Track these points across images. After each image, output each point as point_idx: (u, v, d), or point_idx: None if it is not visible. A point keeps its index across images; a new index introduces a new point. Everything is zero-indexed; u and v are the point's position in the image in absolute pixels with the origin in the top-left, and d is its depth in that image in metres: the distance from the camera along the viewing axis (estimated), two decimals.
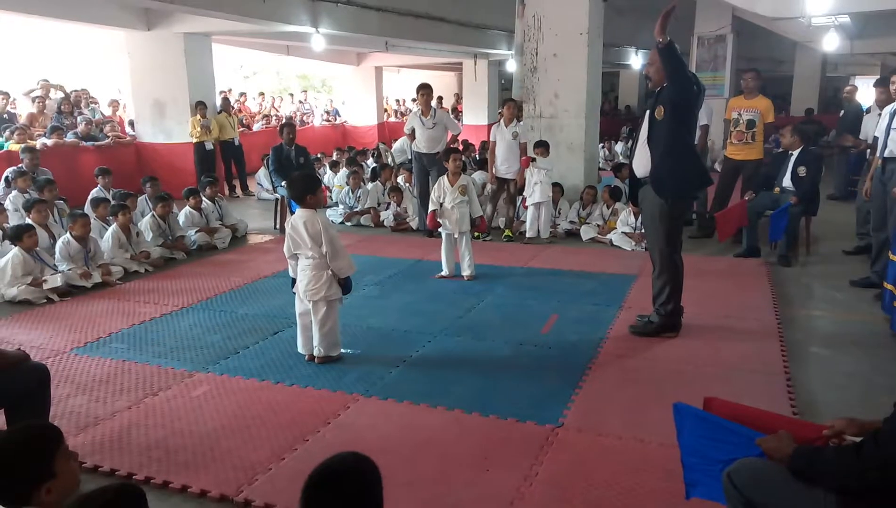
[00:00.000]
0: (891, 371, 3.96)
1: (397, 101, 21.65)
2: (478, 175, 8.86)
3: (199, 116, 10.35)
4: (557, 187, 7.70)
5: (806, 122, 12.08)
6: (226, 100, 11.89)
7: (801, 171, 6.32)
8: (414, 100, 8.25)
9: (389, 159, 11.77)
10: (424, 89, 7.81)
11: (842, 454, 1.81)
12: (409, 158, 11.57)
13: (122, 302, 5.47)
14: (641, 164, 4.40)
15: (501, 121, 7.73)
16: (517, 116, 7.70)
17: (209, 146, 10.54)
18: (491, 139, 7.81)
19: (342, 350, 4.21)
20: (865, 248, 6.45)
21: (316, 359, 4.11)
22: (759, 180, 6.82)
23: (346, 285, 4.09)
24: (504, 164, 7.59)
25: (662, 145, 4.26)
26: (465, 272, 5.91)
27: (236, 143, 11.22)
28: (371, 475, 1.65)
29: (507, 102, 7.83)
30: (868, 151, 6.64)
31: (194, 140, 10.43)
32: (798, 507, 1.85)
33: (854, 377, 3.91)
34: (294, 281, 4.16)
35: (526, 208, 7.46)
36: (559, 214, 7.81)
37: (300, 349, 4.21)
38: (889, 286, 4.67)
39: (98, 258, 6.08)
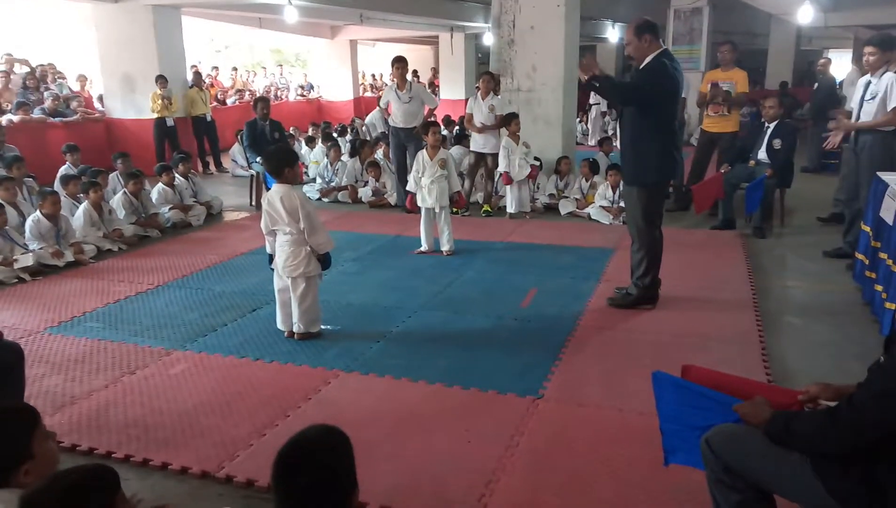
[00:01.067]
0: (862, 339, 4.05)
1: (373, 76, 21.38)
2: (455, 150, 8.81)
3: (158, 91, 10.08)
4: (536, 162, 7.69)
5: (781, 95, 12.15)
6: (197, 74, 11.62)
7: (777, 143, 6.38)
8: (391, 75, 8.11)
9: (368, 136, 11.64)
10: (399, 63, 7.71)
11: (817, 418, 1.85)
12: (384, 130, 11.50)
13: (96, 281, 5.37)
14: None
15: (478, 94, 7.68)
16: (494, 90, 7.66)
17: (170, 122, 10.29)
18: (467, 112, 7.77)
19: (322, 326, 4.19)
20: (840, 215, 6.57)
21: (296, 335, 4.09)
22: (735, 153, 6.87)
23: (324, 260, 4.05)
24: (481, 138, 7.56)
25: (627, 135, 4.33)
26: (445, 247, 5.90)
27: (208, 118, 11.02)
28: (341, 446, 1.65)
29: (484, 76, 7.78)
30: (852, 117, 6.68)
31: (155, 115, 10.18)
32: (775, 471, 1.88)
33: (827, 345, 4.00)
34: (272, 257, 4.11)
35: (507, 184, 7.43)
36: (538, 188, 7.81)
37: (279, 326, 4.19)
38: (861, 257, 4.76)
39: (70, 237, 5.95)
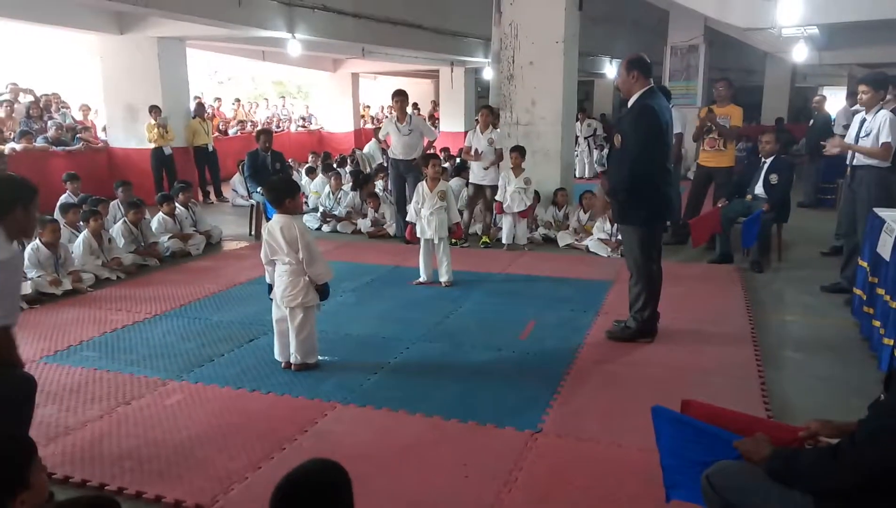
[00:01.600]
0: (861, 374, 4.04)
1: (382, 108, 21.51)
2: (454, 182, 8.87)
3: (153, 120, 10.17)
4: (535, 196, 7.74)
5: (777, 131, 12.29)
6: (200, 105, 11.75)
7: (773, 178, 6.43)
8: (390, 107, 8.20)
9: (367, 167, 11.73)
10: (399, 96, 7.80)
11: (818, 455, 1.84)
12: (382, 162, 11.59)
13: (94, 310, 5.36)
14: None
15: (477, 127, 7.78)
16: (493, 123, 7.76)
17: (167, 151, 10.37)
18: (466, 144, 7.85)
19: (319, 357, 4.17)
20: (841, 248, 6.60)
21: (293, 366, 4.07)
22: (732, 188, 6.93)
23: (323, 291, 4.05)
24: (480, 170, 7.62)
25: (616, 175, 4.34)
26: (443, 279, 5.91)
27: (210, 148, 11.10)
28: (339, 481, 1.64)
29: (483, 110, 7.88)
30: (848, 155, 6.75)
31: (152, 145, 10.26)
32: None
33: (826, 381, 3.98)
34: (271, 287, 4.11)
35: (500, 213, 7.47)
36: (535, 222, 7.85)
37: (277, 357, 4.17)
38: (858, 292, 4.77)
39: (68, 265, 5.95)
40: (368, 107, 20.76)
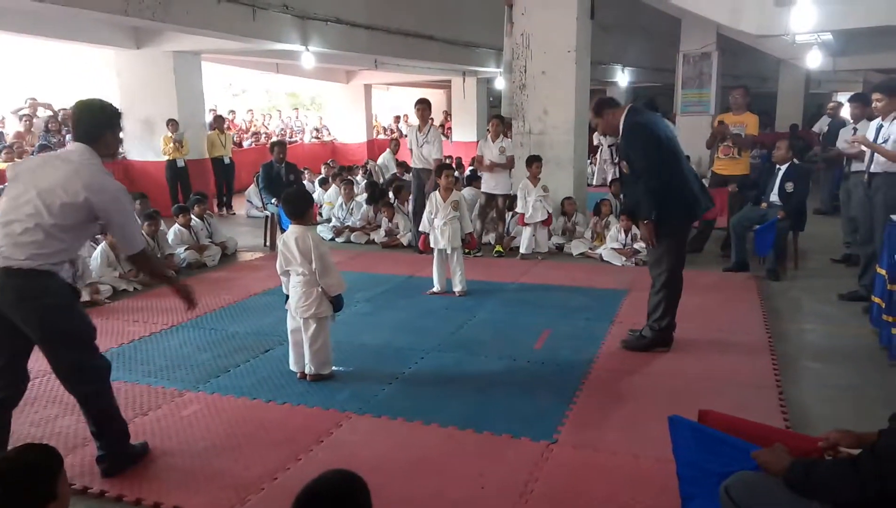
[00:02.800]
0: (881, 384, 3.99)
1: (396, 118, 21.59)
2: (466, 191, 8.89)
3: (169, 133, 10.30)
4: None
5: (792, 138, 12.24)
6: (218, 118, 11.85)
7: (789, 186, 6.38)
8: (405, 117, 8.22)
9: (380, 178, 11.78)
10: (421, 104, 7.78)
11: (839, 467, 1.82)
12: (395, 172, 11.62)
13: (111, 321, 5.41)
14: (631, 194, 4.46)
15: (489, 137, 7.79)
16: (504, 133, 7.78)
17: (181, 164, 10.48)
18: (478, 154, 7.87)
19: (334, 368, 4.18)
20: (849, 256, 6.63)
21: (307, 377, 4.08)
22: (747, 193, 6.89)
23: (337, 302, 4.07)
24: (492, 179, 7.64)
25: (635, 199, 4.38)
26: (457, 288, 5.91)
27: (226, 161, 11.19)
28: (359, 492, 1.64)
29: (494, 119, 7.89)
30: (845, 162, 6.74)
31: (166, 157, 10.37)
32: None
33: (845, 390, 3.93)
34: (287, 298, 4.14)
35: (522, 225, 7.47)
36: (550, 232, 7.84)
37: (292, 367, 4.18)
38: (877, 300, 4.72)
39: (86, 277, 6.01)
40: (378, 123, 20.80)
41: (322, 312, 4.01)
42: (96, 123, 2.95)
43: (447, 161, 8.16)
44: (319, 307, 3.99)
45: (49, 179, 2.79)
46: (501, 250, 7.62)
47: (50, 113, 11.43)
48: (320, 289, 3.97)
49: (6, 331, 2.81)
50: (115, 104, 3.13)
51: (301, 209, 4.03)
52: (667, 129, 4.39)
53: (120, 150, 11.56)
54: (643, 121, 4.24)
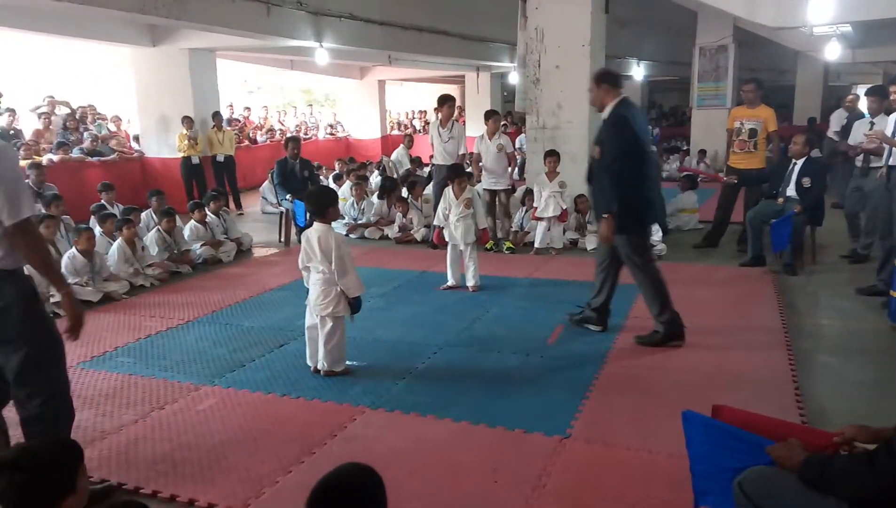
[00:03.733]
0: None
1: (408, 114, 21.57)
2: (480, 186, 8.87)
3: (185, 131, 10.34)
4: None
5: (809, 131, 12.10)
6: (216, 115, 11.77)
7: (806, 181, 6.30)
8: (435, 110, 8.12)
9: (395, 173, 11.79)
10: (448, 101, 7.64)
11: (854, 462, 1.80)
12: (409, 168, 11.62)
13: (128, 316, 5.47)
14: None
15: (485, 134, 7.69)
16: (502, 129, 7.74)
17: (195, 160, 10.51)
18: (475, 151, 7.82)
19: (347, 363, 4.19)
20: (854, 251, 6.63)
21: (322, 373, 4.11)
22: (762, 189, 6.83)
23: (354, 304, 4.08)
24: (491, 176, 7.61)
25: (600, 190, 4.43)
26: (470, 283, 5.91)
27: (220, 159, 10.88)
28: (374, 485, 1.65)
29: (492, 116, 7.77)
30: (856, 156, 6.66)
31: (181, 154, 10.42)
32: None
33: (863, 385, 3.89)
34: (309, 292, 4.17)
35: (536, 219, 7.45)
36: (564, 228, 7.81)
37: (308, 361, 4.21)
38: (895, 294, 4.66)
39: (103, 272, 6.09)
40: (393, 119, 20.79)
41: (339, 312, 4.02)
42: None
43: (469, 158, 8.16)
44: (337, 307, 4.00)
45: None
46: (512, 246, 7.60)
47: (68, 111, 11.55)
48: (339, 289, 3.99)
49: None
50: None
51: (323, 207, 4.06)
52: (643, 126, 4.47)
53: (136, 146, 11.69)
54: (629, 117, 4.28)
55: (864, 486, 1.74)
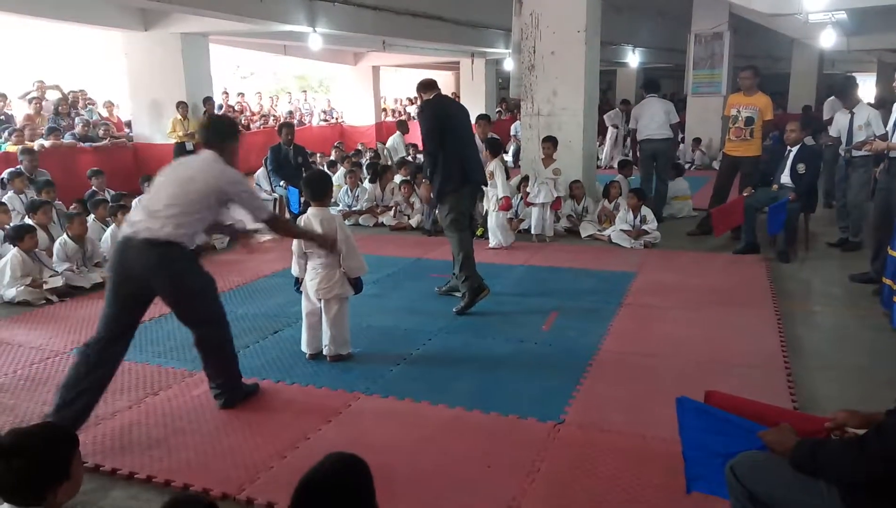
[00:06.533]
0: (891, 365, 3.97)
1: (397, 100, 21.48)
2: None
3: (179, 116, 10.26)
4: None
5: (804, 119, 12.11)
6: (207, 100, 11.65)
7: (801, 168, 6.32)
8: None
9: (389, 160, 11.74)
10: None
11: (845, 446, 1.81)
12: (405, 155, 11.56)
13: None
14: None
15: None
16: (501, 115, 7.68)
17: (189, 146, 10.42)
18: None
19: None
20: (846, 240, 6.67)
21: (328, 357, 4.09)
22: (757, 177, 6.83)
23: (357, 284, 4.09)
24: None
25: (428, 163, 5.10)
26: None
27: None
28: (361, 474, 1.65)
29: (479, 120, 7.45)
30: (841, 149, 6.63)
31: (174, 140, 10.34)
32: (801, 500, 1.85)
33: (854, 372, 3.92)
34: (297, 281, 4.14)
35: (528, 205, 7.44)
36: (557, 216, 7.80)
37: (304, 348, 4.20)
38: (888, 282, 4.68)
39: (95, 258, 6.06)
40: (387, 105, 20.67)
41: (344, 292, 4.02)
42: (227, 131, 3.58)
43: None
44: (342, 288, 4.01)
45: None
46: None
47: (59, 95, 11.44)
48: (342, 270, 3.98)
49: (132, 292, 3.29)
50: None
51: (321, 191, 4.06)
52: (456, 111, 5.21)
53: (128, 132, 11.61)
54: (436, 106, 5.00)
55: (854, 470, 1.76)
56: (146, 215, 3.26)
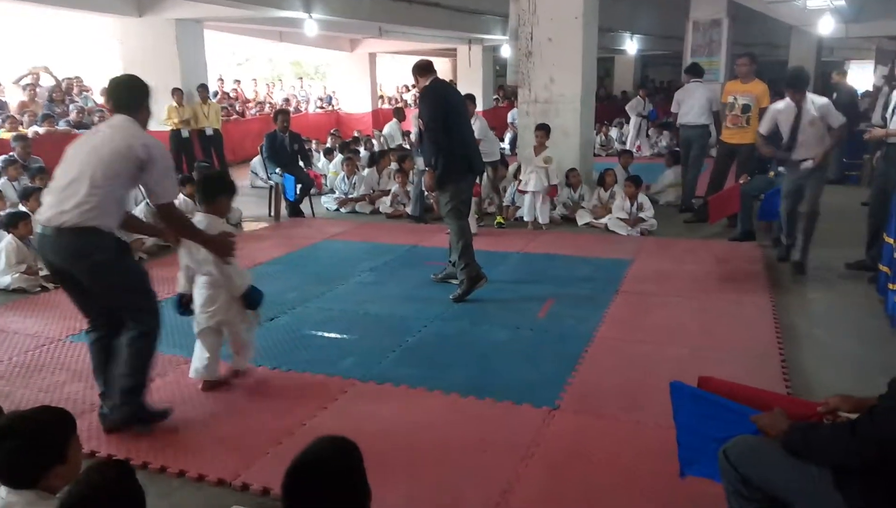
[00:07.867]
0: (885, 352, 3.99)
1: (397, 88, 21.35)
2: None
3: (174, 104, 10.20)
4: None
5: None
6: (201, 87, 11.58)
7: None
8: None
9: (386, 148, 11.71)
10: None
11: (837, 430, 1.82)
12: (400, 143, 11.53)
13: None
14: None
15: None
16: (498, 102, 7.64)
17: (185, 134, 10.38)
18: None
19: (337, 335, 4.17)
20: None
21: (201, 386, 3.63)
22: (754, 164, 6.81)
23: (250, 299, 3.64)
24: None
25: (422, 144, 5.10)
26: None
27: (209, 132, 10.72)
28: (351, 456, 1.65)
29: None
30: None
31: (169, 127, 10.28)
32: (793, 483, 1.86)
33: (849, 358, 3.94)
34: (182, 299, 3.73)
35: (520, 193, 7.44)
36: (552, 200, 7.79)
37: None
38: (884, 268, 4.69)
39: None
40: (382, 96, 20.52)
41: (229, 319, 3.61)
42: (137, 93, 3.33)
43: None
44: (227, 314, 3.59)
45: None
46: (502, 220, 7.56)
47: (53, 82, 11.35)
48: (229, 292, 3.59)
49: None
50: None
51: (212, 194, 3.59)
52: (457, 97, 5.19)
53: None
54: (440, 90, 4.95)
55: (846, 454, 1.77)
56: (54, 195, 2.97)
